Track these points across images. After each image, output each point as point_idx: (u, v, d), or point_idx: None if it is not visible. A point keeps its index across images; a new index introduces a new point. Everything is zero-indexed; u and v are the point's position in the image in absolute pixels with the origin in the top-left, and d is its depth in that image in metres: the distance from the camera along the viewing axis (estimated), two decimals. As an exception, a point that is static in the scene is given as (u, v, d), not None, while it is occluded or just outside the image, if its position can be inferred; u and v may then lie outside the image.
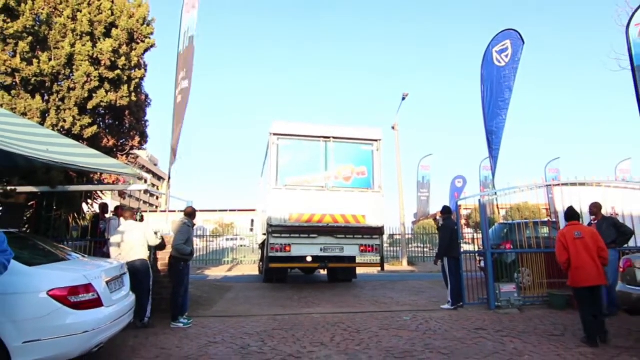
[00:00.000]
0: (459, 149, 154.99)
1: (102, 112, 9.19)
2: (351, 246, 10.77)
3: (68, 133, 8.02)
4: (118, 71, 8.57)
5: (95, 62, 8.37)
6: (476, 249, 10.64)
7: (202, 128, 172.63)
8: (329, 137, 11.11)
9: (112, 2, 8.94)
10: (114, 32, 8.65)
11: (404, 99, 22.13)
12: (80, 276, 4.39)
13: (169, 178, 9.15)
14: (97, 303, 4.42)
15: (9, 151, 4.60)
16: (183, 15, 8.65)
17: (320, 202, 10.55)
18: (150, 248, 7.35)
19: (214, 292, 10.70)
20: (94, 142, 8.51)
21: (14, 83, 7.97)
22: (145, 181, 6.22)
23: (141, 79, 9.43)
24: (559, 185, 9.18)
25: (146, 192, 7.61)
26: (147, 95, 10.54)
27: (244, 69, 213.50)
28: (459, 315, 7.78)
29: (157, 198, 78.20)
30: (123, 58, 8.64)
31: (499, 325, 6.89)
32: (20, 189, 6.93)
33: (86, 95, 8.29)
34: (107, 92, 8.50)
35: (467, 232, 19.24)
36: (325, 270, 12.62)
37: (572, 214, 6.28)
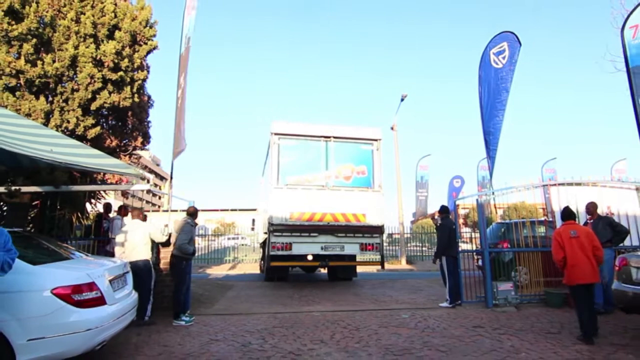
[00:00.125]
0: (457, 149, 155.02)
1: (105, 113, 9.25)
2: (351, 245, 10.84)
3: (72, 134, 8.09)
4: (121, 73, 8.63)
5: (98, 63, 8.44)
6: (474, 248, 10.69)
7: (203, 128, 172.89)
8: (329, 137, 11.18)
9: (115, 4, 9.00)
10: (117, 34, 8.71)
11: (402, 99, 22.21)
12: (84, 275, 4.44)
13: (171, 178, 9.24)
14: (100, 301, 4.47)
15: (13, 151, 4.66)
16: (184, 17, 8.72)
17: (320, 201, 10.62)
18: (153, 247, 7.44)
19: (215, 291, 10.78)
20: (97, 143, 8.58)
21: (19, 84, 8.04)
22: (148, 181, 6.27)
23: (144, 80, 9.49)
24: (555, 185, 9.25)
25: (149, 191, 7.68)
26: (149, 97, 10.60)
27: (246, 70, 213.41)
28: (457, 313, 7.85)
29: (160, 198, 78.52)
30: (126, 60, 8.70)
31: (497, 323, 6.96)
32: (24, 188, 6.98)
33: (90, 96, 8.35)
34: (110, 93, 8.56)
35: (465, 231, 19.26)
36: (326, 268, 12.67)
37: (568, 214, 6.35)
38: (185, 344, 5.84)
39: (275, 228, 10.38)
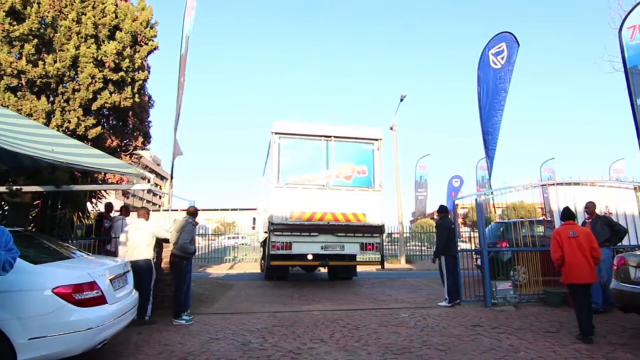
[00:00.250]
0: (457, 149, 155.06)
1: (107, 113, 9.28)
2: (352, 244, 10.84)
3: (73, 134, 8.12)
4: (122, 73, 8.67)
5: (99, 64, 8.47)
6: (473, 248, 10.72)
7: (203, 128, 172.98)
8: (330, 137, 11.19)
9: (117, 5, 9.03)
10: (118, 35, 8.74)
11: (402, 100, 22.27)
12: (85, 274, 4.46)
13: (172, 178, 9.27)
14: (101, 300, 4.49)
15: (15, 151, 4.67)
16: (185, 18, 8.76)
17: (321, 201, 10.63)
18: (156, 247, 7.46)
19: (215, 290, 10.81)
20: (98, 143, 8.61)
21: (20, 85, 8.08)
22: (149, 181, 6.30)
23: (145, 80, 9.52)
24: (554, 185, 9.26)
25: (149, 191, 7.72)
26: (150, 97, 10.63)
27: (245, 70, 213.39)
28: (456, 313, 7.88)
29: (160, 197, 78.57)
30: (127, 60, 8.73)
31: (496, 323, 6.99)
32: (26, 188, 7.01)
33: (91, 96, 8.39)
34: (111, 93, 8.60)
35: (464, 231, 19.25)
36: (326, 268, 12.70)
37: (568, 214, 6.38)
38: (186, 343, 5.87)
39: (275, 227, 10.40)
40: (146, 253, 7.09)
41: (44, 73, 7.92)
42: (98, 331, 4.37)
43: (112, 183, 10.21)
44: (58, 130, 7.53)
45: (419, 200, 26.49)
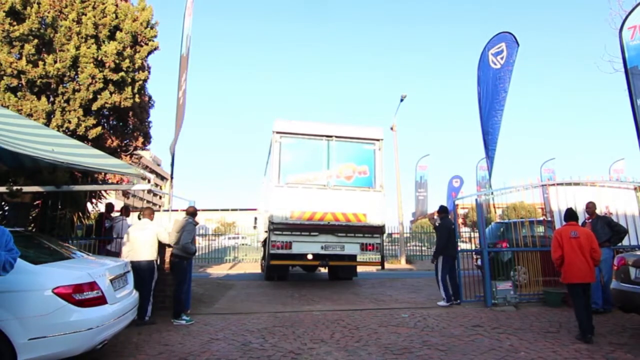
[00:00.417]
0: (457, 149, 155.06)
1: (107, 113, 9.27)
2: (352, 244, 10.85)
3: (73, 134, 8.11)
4: (122, 73, 8.65)
5: (99, 64, 8.46)
6: (473, 248, 10.73)
7: (204, 128, 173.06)
8: (331, 136, 11.19)
9: (117, 5, 9.01)
10: (118, 35, 8.73)
11: (402, 100, 22.33)
12: (85, 274, 4.47)
13: (172, 177, 9.28)
14: (101, 300, 4.49)
15: (15, 151, 4.67)
16: (185, 18, 8.76)
17: (321, 201, 10.63)
18: (159, 249, 7.46)
19: (215, 290, 10.82)
20: (98, 143, 8.60)
21: (20, 85, 8.07)
22: (149, 181, 6.30)
23: (145, 80, 9.50)
24: (554, 185, 9.27)
25: (149, 191, 7.72)
26: (150, 97, 10.63)
27: (245, 70, 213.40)
28: (456, 313, 7.88)
29: (160, 197, 78.49)
30: (127, 60, 8.72)
31: (496, 322, 6.99)
32: (26, 188, 7.01)
33: (91, 96, 8.38)
34: (111, 93, 8.58)
35: (464, 231, 19.24)
36: (326, 268, 12.70)
37: (571, 215, 6.40)
38: (186, 343, 5.87)
39: (275, 227, 10.40)
40: (149, 253, 7.10)
41: (44, 73, 7.91)
42: (98, 331, 4.37)
43: (112, 183, 10.21)
44: (58, 130, 7.52)
45: (419, 200, 26.53)
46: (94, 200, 10.52)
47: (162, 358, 5.20)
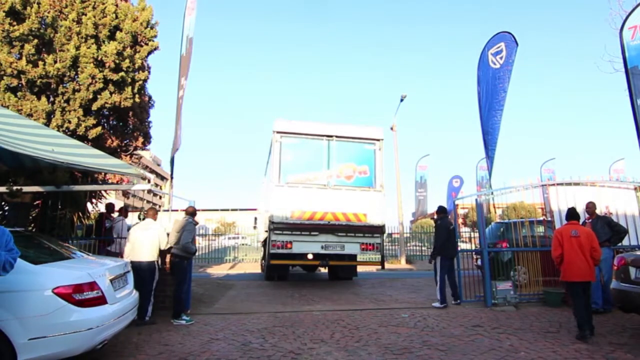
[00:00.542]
0: (457, 149, 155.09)
1: (107, 113, 9.27)
2: (352, 244, 10.85)
3: (73, 134, 8.11)
4: (122, 73, 8.65)
5: (99, 64, 8.46)
6: (473, 248, 10.73)
7: (204, 128, 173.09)
8: (331, 136, 11.18)
9: (117, 5, 9.01)
10: (118, 35, 8.73)
11: (402, 100, 22.34)
12: (85, 274, 4.47)
13: (172, 178, 9.28)
14: (101, 300, 4.50)
15: (15, 151, 4.68)
16: (185, 18, 8.75)
17: (322, 200, 10.62)
18: (159, 250, 7.45)
19: (215, 290, 10.82)
20: (98, 143, 8.60)
21: (20, 85, 8.07)
22: (149, 181, 6.30)
23: (145, 80, 9.50)
24: (554, 185, 9.27)
25: (149, 191, 7.72)
26: (150, 97, 10.63)
27: (245, 71, 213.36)
28: (456, 312, 7.88)
29: (160, 197, 78.54)
30: (127, 60, 8.72)
31: (496, 322, 6.99)
32: (26, 188, 7.01)
33: (91, 96, 8.38)
34: (111, 93, 8.59)
35: (464, 231, 19.26)
36: (326, 268, 12.71)
37: (572, 214, 6.42)
38: (186, 343, 5.87)
39: (275, 226, 10.41)
40: (150, 254, 7.08)
41: (44, 73, 7.91)
42: (98, 331, 4.37)
43: (112, 183, 10.21)
44: (58, 130, 7.52)
45: (419, 200, 26.56)
46: (94, 200, 10.53)
47: (162, 358, 5.21)
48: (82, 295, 4.30)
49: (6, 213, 8.48)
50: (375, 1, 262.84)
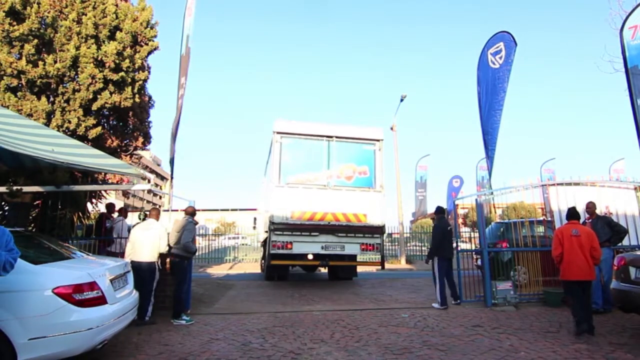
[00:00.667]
0: (457, 149, 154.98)
1: (107, 113, 9.27)
2: (352, 245, 10.85)
3: (73, 134, 8.11)
4: (122, 73, 8.66)
5: (99, 64, 8.46)
6: (473, 248, 10.73)
7: (204, 128, 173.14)
8: (331, 136, 11.19)
9: (117, 5, 9.02)
10: (118, 35, 8.74)
11: (402, 100, 22.37)
12: (85, 274, 4.47)
13: (172, 178, 9.28)
14: (101, 300, 4.50)
15: (15, 151, 4.68)
16: (185, 18, 8.75)
17: (322, 201, 10.63)
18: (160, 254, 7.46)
19: (215, 290, 10.82)
20: (98, 143, 8.61)
21: (20, 85, 8.07)
22: (149, 181, 6.30)
23: (145, 80, 9.51)
24: (554, 185, 9.28)
25: (149, 191, 7.71)
26: (150, 97, 10.63)
27: (245, 71, 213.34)
28: (456, 312, 7.88)
29: (160, 197, 78.56)
30: (127, 60, 8.73)
31: (496, 322, 7.00)
32: (26, 188, 7.01)
33: (91, 96, 8.38)
34: (111, 93, 8.59)
35: (464, 231, 19.28)
36: (326, 268, 12.71)
37: (573, 214, 6.44)
38: (186, 343, 5.87)
39: (276, 227, 10.41)
40: (151, 255, 7.08)
41: (44, 73, 7.92)
42: (98, 331, 4.37)
43: (112, 183, 10.22)
44: (58, 130, 7.53)
45: (419, 200, 26.55)
46: (94, 200, 10.53)
47: (162, 358, 5.21)
48: (82, 295, 4.30)
49: (6, 213, 8.49)
50: (375, 1, 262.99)
